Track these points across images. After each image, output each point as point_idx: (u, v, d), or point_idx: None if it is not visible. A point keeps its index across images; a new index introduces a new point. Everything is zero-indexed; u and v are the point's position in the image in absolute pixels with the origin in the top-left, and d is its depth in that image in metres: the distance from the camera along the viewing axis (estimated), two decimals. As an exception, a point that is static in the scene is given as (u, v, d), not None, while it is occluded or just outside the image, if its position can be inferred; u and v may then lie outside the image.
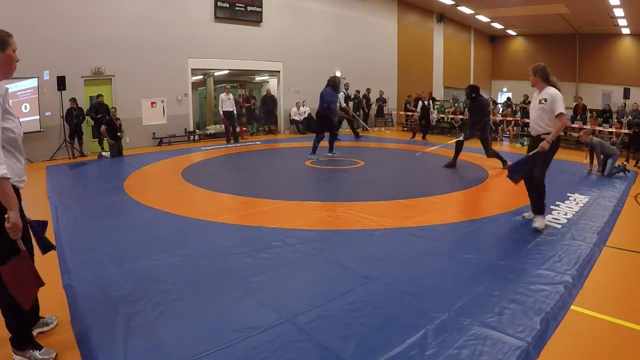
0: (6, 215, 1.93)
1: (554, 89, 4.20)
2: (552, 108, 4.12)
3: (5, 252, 2.02)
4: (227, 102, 11.57)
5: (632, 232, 4.60)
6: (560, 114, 4.13)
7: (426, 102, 12.89)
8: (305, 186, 6.64)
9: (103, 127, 9.33)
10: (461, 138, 7.90)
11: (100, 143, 9.92)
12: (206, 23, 12.13)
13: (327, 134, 8.80)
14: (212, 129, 13.19)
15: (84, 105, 9.89)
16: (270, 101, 14.10)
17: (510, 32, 23.56)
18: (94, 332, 2.45)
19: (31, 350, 2.22)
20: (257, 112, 14.42)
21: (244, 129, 13.78)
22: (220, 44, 12.42)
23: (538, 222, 4.34)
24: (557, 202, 5.30)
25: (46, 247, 2.34)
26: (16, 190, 2.08)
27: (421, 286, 3.04)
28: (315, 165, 8.16)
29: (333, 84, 8.44)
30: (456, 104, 16.07)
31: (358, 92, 15.25)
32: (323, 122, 8.63)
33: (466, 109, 15.83)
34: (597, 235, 4.14)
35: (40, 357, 2.22)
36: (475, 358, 2.19)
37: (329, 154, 8.72)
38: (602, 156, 7.20)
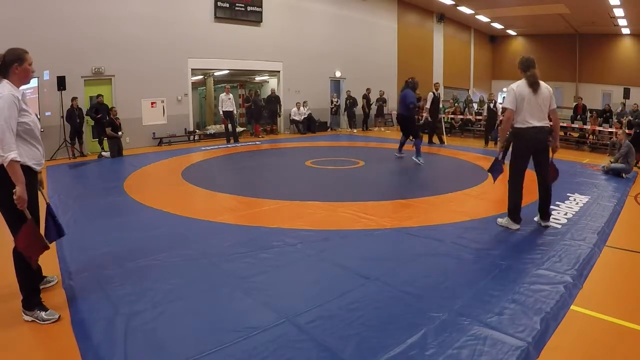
0: (14, 190, 2.37)
1: (516, 82, 4.10)
2: None
3: (18, 220, 2.48)
4: (227, 102, 11.58)
5: (632, 232, 4.60)
6: (504, 109, 4.08)
7: (491, 105, 11.26)
8: (305, 186, 6.63)
9: (109, 130, 9.37)
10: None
11: (100, 143, 9.92)
12: (206, 23, 12.14)
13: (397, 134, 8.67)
14: (212, 129, 13.19)
15: (84, 105, 9.89)
16: (274, 101, 14.10)
17: (510, 32, 23.59)
18: (94, 332, 2.45)
19: (38, 311, 2.59)
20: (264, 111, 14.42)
21: (260, 128, 13.84)
22: (220, 44, 12.42)
23: (502, 218, 4.46)
24: (557, 202, 5.30)
25: (60, 231, 2.85)
26: (34, 172, 2.59)
27: (421, 286, 3.03)
28: (315, 165, 8.16)
29: (412, 86, 8.42)
30: (456, 104, 16.08)
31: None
32: (409, 124, 8.45)
33: (466, 109, 15.92)
34: (597, 235, 4.14)
35: (45, 317, 2.58)
36: (475, 358, 2.19)
37: (418, 160, 8.26)
38: (620, 159, 7.44)
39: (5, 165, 2.35)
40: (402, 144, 8.89)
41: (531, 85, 4.00)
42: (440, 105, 11.90)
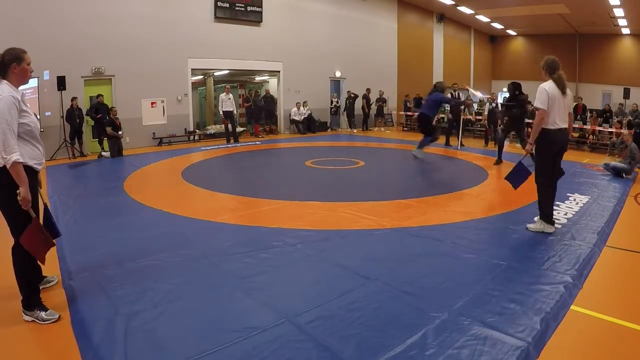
0: (18, 191, 2.40)
1: (546, 82, 4.03)
2: None
3: (22, 221, 2.51)
4: (227, 102, 11.58)
5: (632, 232, 4.60)
6: (535, 109, 3.98)
7: (494, 104, 10.82)
8: (305, 186, 6.64)
9: (109, 129, 9.37)
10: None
11: (100, 143, 9.92)
12: (206, 23, 12.13)
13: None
14: (212, 129, 13.19)
15: (84, 105, 9.89)
16: (269, 101, 14.12)
17: (510, 32, 23.58)
18: (94, 332, 2.45)
19: (38, 311, 2.60)
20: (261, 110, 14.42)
21: (260, 128, 13.89)
22: (220, 44, 12.42)
23: (532, 224, 4.30)
24: (557, 202, 5.29)
25: (55, 232, 2.88)
26: (35, 171, 2.61)
27: (421, 286, 3.03)
28: (315, 165, 8.16)
29: (442, 89, 8.61)
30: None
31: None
32: (429, 123, 8.56)
33: (466, 109, 15.85)
34: (597, 235, 4.14)
35: (45, 317, 2.60)
36: (475, 358, 2.19)
37: (415, 152, 8.64)
38: (628, 160, 7.43)
39: (8, 166, 2.36)
40: (424, 143, 8.82)
41: (561, 88, 4.00)
42: (462, 106, 11.73)
